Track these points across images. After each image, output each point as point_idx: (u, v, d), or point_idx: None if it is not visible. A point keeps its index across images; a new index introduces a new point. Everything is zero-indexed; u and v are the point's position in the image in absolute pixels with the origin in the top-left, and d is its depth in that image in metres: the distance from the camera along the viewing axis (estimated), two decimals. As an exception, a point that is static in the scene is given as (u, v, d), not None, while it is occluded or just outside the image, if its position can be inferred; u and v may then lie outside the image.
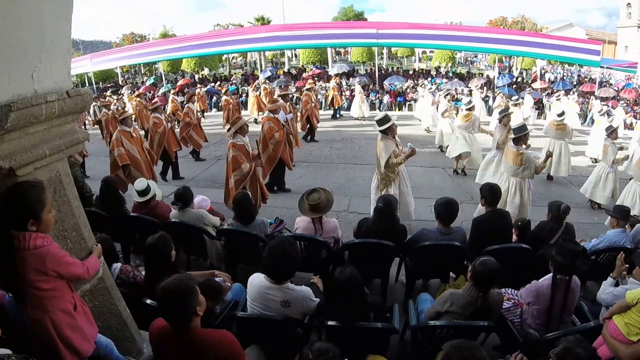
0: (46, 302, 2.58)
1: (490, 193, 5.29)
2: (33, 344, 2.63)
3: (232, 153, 7.08)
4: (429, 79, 29.78)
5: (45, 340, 2.59)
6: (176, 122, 13.10)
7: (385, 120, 6.79)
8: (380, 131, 6.81)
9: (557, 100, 17.43)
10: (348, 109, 20.90)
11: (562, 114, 11.30)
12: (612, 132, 8.93)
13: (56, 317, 2.61)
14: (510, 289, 4.31)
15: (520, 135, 7.01)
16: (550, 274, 3.87)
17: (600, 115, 14.11)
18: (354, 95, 21.86)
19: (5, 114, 2.25)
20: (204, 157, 12.88)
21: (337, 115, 19.76)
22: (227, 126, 14.99)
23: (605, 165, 8.84)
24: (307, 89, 14.63)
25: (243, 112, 18.93)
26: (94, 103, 16.14)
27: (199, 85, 24.36)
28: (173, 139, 10.59)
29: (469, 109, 11.05)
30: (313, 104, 14.09)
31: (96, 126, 16.27)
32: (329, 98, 18.82)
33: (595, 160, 12.74)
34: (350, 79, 28.17)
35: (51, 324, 2.58)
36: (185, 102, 13.76)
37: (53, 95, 2.55)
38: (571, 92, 23.06)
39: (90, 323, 2.91)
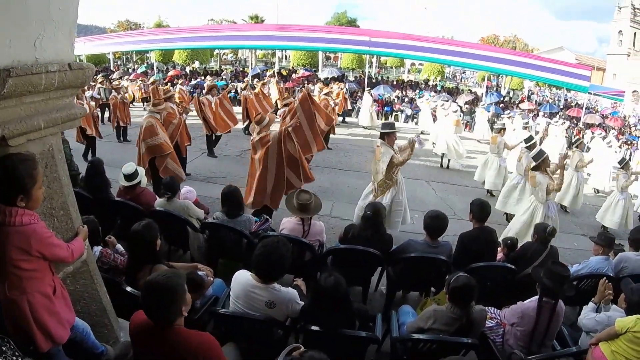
0: (25, 283, 2.47)
1: (480, 209, 5.28)
2: (7, 325, 2.53)
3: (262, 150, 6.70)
4: (417, 90, 29.95)
5: (20, 322, 2.49)
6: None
7: (389, 125, 7.08)
8: (380, 135, 6.97)
9: (555, 124, 17.44)
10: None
11: (577, 140, 11.59)
12: (624, 165, 9.53)
13: (34, 299, 2.51)
14: (492, 308, 4.29)
15: (540, 162, 7.08)
16: (536, 296, 3.87)
17: (609, 146, 14.32)
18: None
19: (3, 79, 2.16)
20: (203, 150, 12.56)
21: (341, 122, 19.33)
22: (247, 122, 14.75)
23: (617, 192, 9.29)
24: (324, 93, 14.19)
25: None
26: (99, 85, 15.77)
27: (209, 78, 24.07)
28: (185, 133, 9.98)
29: (499, 132, 10.97)
30: (332, 107, 13.74)
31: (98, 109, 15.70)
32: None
33: (598, 191, 13.04)
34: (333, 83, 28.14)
35: (28, 306, 2.48)
36: (205, 94, 13.19)
37: (54, 66, 2.45)
38: (557, 116, 23.34)
39: (68, 308, 2.81)
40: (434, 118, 17.58)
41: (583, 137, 17.16)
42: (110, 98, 14.24)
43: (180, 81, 21.87)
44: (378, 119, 21.45)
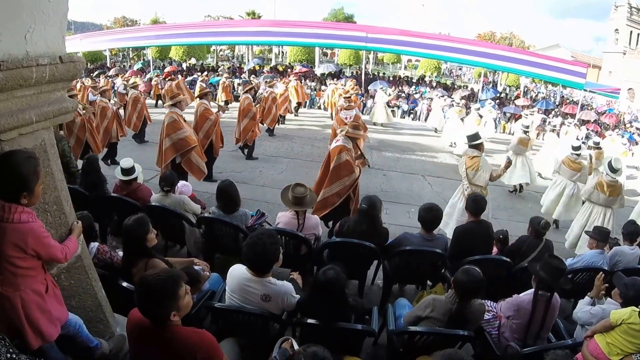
0: (19, 280, 2.47)
1: (474, 203, 5.31)
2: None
3: (345, 157, 6.48)
4: (413, 87, 29.86)
5: (11, 319, 2.48)
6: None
7: (477, 136, 7.38)
8: (471, 146, 7.30)
9: (568, 126, 17.26)
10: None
11: (597, 143, 11.50)
12: None
13: (26, 296, 2.51)
14: (489, 301, 4.29)
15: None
16: (532, 289, 3.88)
17: (628, 148, 14.20)
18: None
19: (-7, 73, 2.14)
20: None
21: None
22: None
23: None
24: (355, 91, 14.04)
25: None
26: (121, 81, 15.53)
27: (225, 75, 23.91)
28: (220, 134, 9.47)
29: (526, 132, 11.06)
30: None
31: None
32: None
33: None
34: (335, 80, 28.09)
35: (20, 303, 2.48)
36: (242, 93, 12.73)
37: (45, 59, 2.43)
38: (553, 113, 23.31)
39: (60, 306, 2.80)
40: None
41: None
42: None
43: (200, 78, 21.67)
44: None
